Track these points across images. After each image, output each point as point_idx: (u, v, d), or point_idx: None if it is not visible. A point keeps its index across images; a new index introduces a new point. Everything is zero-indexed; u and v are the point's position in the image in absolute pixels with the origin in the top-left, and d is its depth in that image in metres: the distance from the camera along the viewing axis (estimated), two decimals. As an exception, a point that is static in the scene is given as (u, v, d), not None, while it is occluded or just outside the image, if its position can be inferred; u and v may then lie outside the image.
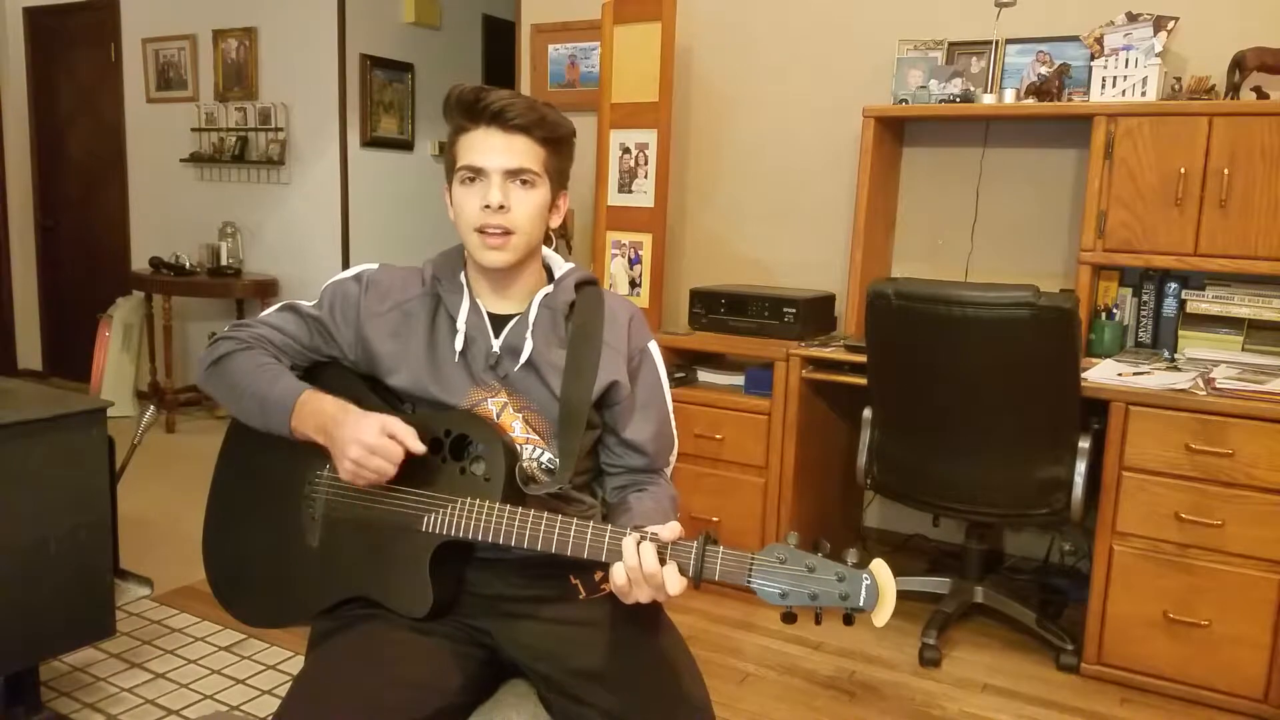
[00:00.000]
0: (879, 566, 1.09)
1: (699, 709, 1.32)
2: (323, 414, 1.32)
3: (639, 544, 1.16)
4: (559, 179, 1.40)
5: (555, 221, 1.42)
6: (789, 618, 1.14)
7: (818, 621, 1.14)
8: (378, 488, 1.33)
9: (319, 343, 1.45)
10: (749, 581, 1.12)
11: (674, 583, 1.15)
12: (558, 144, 1.38)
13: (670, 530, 1.18)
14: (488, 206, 1.32)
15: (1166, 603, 2.44)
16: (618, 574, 1.18)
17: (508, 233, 1.33)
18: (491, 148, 1.32)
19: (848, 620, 1.11)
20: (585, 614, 1.38)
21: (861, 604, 1.08)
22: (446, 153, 1.39)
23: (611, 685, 1.30)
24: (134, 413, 5.07)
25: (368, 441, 1.26)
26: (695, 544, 1.15)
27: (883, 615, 1.08)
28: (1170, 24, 2.74)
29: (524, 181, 1.34)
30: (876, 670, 2.60)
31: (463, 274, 1.43)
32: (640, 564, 1.15)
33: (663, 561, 1.15)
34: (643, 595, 1.17)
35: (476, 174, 1.33)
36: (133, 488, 3.40)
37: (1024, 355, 2.39)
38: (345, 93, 4.81)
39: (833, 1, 3.38)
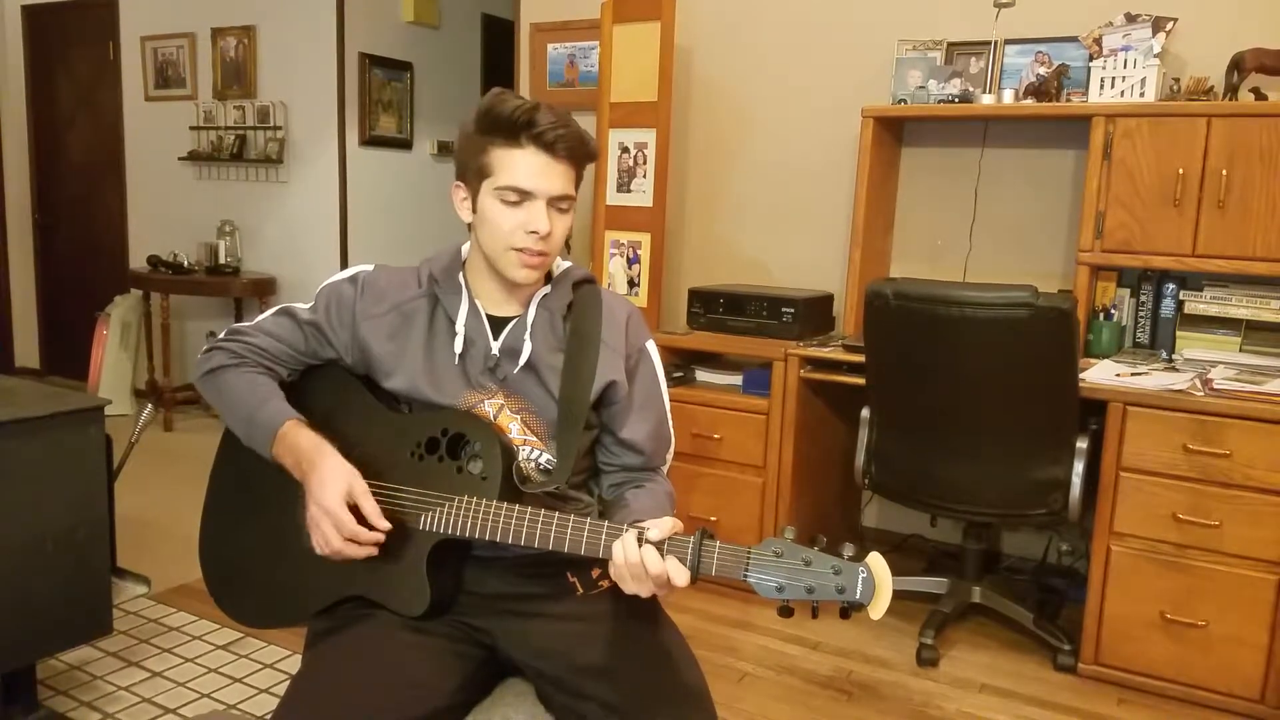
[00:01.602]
0: (875, 560, 1.10)
1: (698, 699, 1.32)
2: (298, 451, 1.33)
3: (640, 545, 1.16)
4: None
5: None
6: (785, 612, 1.14)
7: (814, 615, 1.14)
8: (374, 484, 1.32)
9: (315, 347, 1.45)
10: (745, 576, 1.12)
11: (679, 575, 1.15)
12: (586, 165, 1.40)
13: (663, 527, 1.18)
14: (534, 232, 1.32)
15: (1164, 603, 2.44)
16: (618, 557, 1.18)
17: (545, 255, 1.35)
18: (540, 173, 1.32)
19: (844, 614, 1.11)
20: (583, 610, 1.39)
21: (858, 597, 1.09)
22: (473, 157, 1.35)
23: (611, 679, 1.30)
24: (132, 411, 5.07)
25: (326, 505, 1.27)
26: (692, 540, 1.15)
27: (879, 608, 1.09)
28: (1169, 25, 2.75)
29: (562, 207, 1.35)
30: (874, 670, 2.60)
31: (460, 275, 1.43)
32: (643, 563, 1.16)
33: (661, 556, 1.16)
34: (644, 590, 1.18)
35: (523, 196, 1.33)
36: (130, 486, 3.40)
37: (1022, 356, 2.39)
38: (344, 91, 4.80)
39: (832, 1, 3.38)
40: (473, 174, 1.36)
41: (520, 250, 1.33)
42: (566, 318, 1.42)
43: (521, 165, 1.32)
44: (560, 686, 1.33)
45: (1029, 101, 2.92)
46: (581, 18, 3.82)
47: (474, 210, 1.38)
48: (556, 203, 1.34)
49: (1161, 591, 2.44)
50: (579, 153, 1.34)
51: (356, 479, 1.30)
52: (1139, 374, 2.54)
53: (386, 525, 1.30)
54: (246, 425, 1.38)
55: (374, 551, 1.30)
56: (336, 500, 1.27)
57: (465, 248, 1.45)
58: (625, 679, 1.30)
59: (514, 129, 1.32)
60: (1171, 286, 2.85)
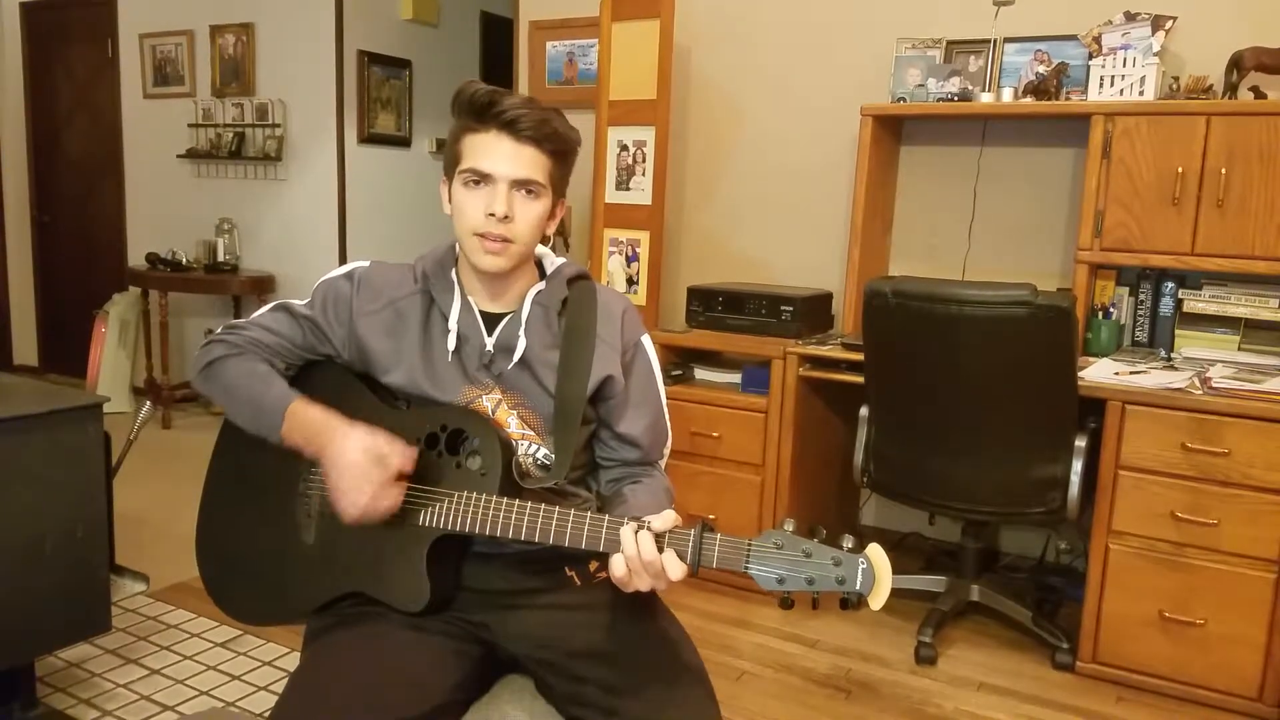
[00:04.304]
0: (874, 550, 1.11)
1: (697, 676, 1.33)
2: (309, 428, 1.32)
3: (636, 533, 1.17)
4: (560, 188, 1.40)
5: (551, 228, 1.42)
6: (786, 603, 1.15)
7: (815, 606, 1.14)
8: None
9: (312, 342, 1.44)
10: (746, 567, 1.13)
11: (674, 568, 1.15)
12: (564, 156, 1.37)
13: (664, 519, 1.18)
14: (492, 215, 1.31)
15: (1162, 601, 2.44)
16: (617, 565, 1.18)
17: (507, 240, 1.33)
18: (500, 155, 1.31)
19: (845, 605, 1.12)
20: (581, 599, 1.39)
21: (858, 587, 1.09)
22: (448, 148, 1.38)
23: (610, 661, 1.31)
24: (130, 409, 5.06)
25: (351, 460, 1.26)
26: (692, 532, 1.16)
27: (879, 598, 1.09)
28: (1168, 23, 2.75)
29: (529, 192, 1.34)
30: (873, 668, 2.60)
31: (454, 272, 1.43)
32: (639, 552, 1.16)
33: (660, 549, 1.16)
34: (642, 584, 1.18)
35: (482, 178, 1.32)
36: (129, 484, 3.40)
37: (1021, 354, 2.39)
38: (343, 89, 4.80)
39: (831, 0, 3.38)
40: (449, 165, 1.37)
41: (481, 235, 1.33)
42: (561, 314, 1.42)
43: (482, 147, 1.32)
44: (560, 672, 1.33)
45: (1028, 100, 2.92)
46: (580, 15, 3.82)
47: (450, 201, 1.38)
48: (521, 186, 1.33)
49: (1160, 590, 2.44)
50: (544, 133, 1.32)
51: (377, 432, 1.29)
52: (1138, 372, 2.54)
53: (413, 453, 1.29)
54: (254, 411, 1.37)
55: (401, 496, 1.29)
56: (360, 454, 1.26)
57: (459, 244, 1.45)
58: (624, 660, 1.31)
59: (478, 111, 1.32)
60: (1170, 285, 2.85)
